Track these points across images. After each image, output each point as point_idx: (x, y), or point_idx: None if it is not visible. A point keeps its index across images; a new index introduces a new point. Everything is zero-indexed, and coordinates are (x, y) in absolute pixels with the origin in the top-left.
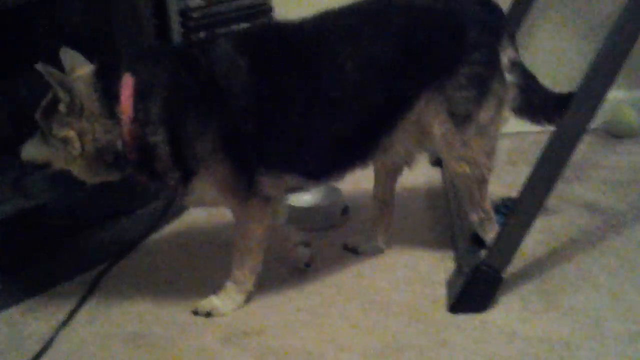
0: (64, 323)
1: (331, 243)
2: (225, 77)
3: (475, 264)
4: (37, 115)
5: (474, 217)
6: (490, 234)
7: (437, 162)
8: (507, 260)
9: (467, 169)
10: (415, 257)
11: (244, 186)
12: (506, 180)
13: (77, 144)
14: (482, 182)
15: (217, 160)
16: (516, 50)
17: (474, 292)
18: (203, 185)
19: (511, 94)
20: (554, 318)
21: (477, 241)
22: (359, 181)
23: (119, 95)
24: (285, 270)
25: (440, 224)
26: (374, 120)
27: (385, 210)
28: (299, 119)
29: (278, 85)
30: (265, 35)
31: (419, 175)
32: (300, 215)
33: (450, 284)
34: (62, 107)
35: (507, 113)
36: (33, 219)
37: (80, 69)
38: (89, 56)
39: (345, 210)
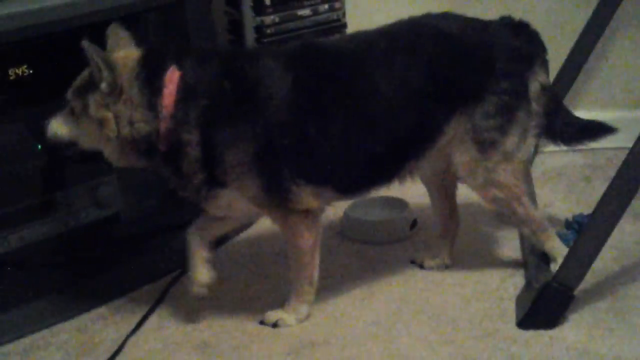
0: (134, 330)
1: (399, 257)
2: (268, 90)
3: (546, 280)
4: (70, 94)
5: (526, 231)
6: (548, 243)
7: None
8: (579, 277)
9: (497, 192)
10: (484, 272)
11: (278, 200)
12: (579, 197)
13: (114, 127)
14: (519, 199)
15: (246, 171)
16: (547, 74)
17: (544, 308)
18: (231, 194)
19: (535, 123)
20: (625, 336)
21: (547, 257)
22: (426, 193)
23: (162, 87)
24: (352, 282)
25: (509, 239)
26: (403, 142)
27: (448, 226)
28: (335, 136)
29: (318, 103)
30: (309, 54)
31: None
32: (368, 229)
33: (519, 300)
34: (104, 87)
35: (531, 140)
36: (105, 227)
37: (123, 50)
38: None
39: (414, 224)
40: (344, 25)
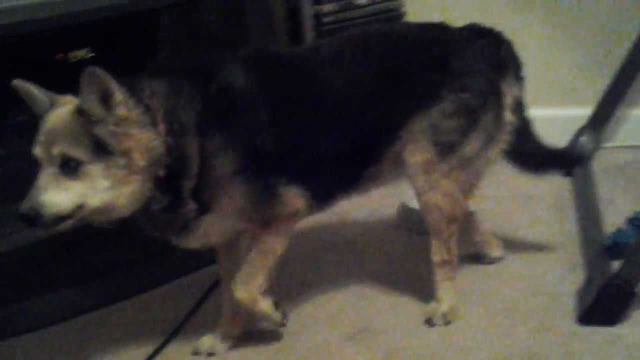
0: (193, 310)
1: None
2: (241, 92)
3: (607, 276)
4: (52, 148)
5: (437, 257)
6: (445, 282)
7: (567, 172)
8: None
9: (440, 201)
10: (543, 266)
11: (265, 205)
12: (639, 194)
13: (140, 154)
14: (452, 219)
15: (237, 180)
16: (522, 90)
17: (604, 305)
18: (214, 217)
19: (506, 135)
20: None
21: (609, 253)
22: (485, 185)
23: (150, 105)
24: (411, 272)
25: (570, 234)
26: (361, 146)
27: (471, 225)
28: (303, 138)
29: (285, 101)
30: (269, 56)
31: (546, 184)
32: (421, 219)
33: (580, 295)
34: (122, 111)
35: (496, 152)
36: (167, 208)
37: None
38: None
39: (471, 215)
40: (403, 15)
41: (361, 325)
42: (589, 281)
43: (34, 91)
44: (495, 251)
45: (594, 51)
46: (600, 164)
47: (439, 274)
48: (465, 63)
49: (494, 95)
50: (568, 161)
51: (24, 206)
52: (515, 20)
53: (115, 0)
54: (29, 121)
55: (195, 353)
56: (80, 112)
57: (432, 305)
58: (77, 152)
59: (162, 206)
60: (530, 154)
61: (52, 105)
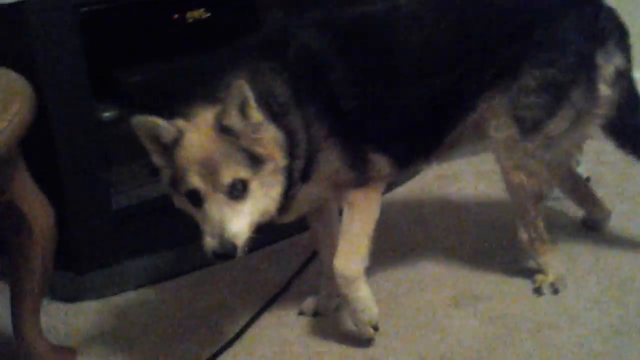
0: (298, 272)
1: (570, 215)
2: (318, 55)
3: None
4: (230, 162)
5: (524, 235)
6: (541, 257)
7: None
8: None
9: (525, 182)
10: None
11: (359, 171)
12: None
13: (278, 153)
14: (539, 198)
15: (332, 144)
16: (628, 59)
17: None
18: (312, 186)
19: (603, 110)
20: None
21: None
22: (601, 150)
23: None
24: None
25: None
26: (439, 111)
27: (578, 191)
28: (386, 103)
29: (363, 62)
30: (345, 20)
31: None
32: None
33: None
34: (256, 117)
35: (590, 130)
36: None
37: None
38: None
39: (587, 180)
40: None
41: (466, 290)
42: None
43: (159, 123)
44: (607, 220)
45: None
46: None
47: (533, 252)
48: (552, 33)
49: (585, 69)
50: None
51: (213, 243)
52: None
53: None
54: (141, 82)
55: (301, 313)
56: (224, 130)
57: (539, 275)
58: (243, 172)
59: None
60: (633, 133)
61: (181, 132)
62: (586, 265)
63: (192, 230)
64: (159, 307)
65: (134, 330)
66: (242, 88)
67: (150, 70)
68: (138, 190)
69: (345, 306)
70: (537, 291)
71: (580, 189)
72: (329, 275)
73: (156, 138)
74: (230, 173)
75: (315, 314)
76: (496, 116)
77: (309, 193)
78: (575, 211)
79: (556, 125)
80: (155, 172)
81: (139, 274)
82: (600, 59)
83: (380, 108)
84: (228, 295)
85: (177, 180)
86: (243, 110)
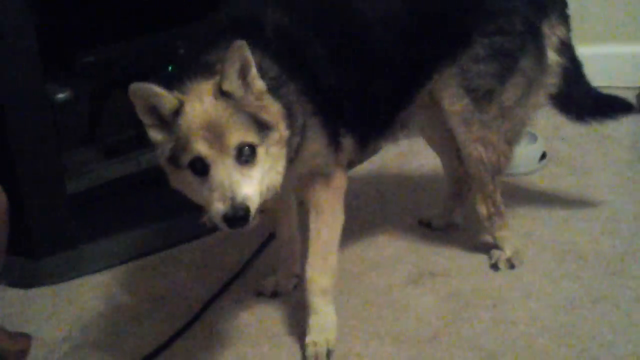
0: (256, 253)
1: (525, 191)
2: (297, 36)
3: None
4: (237, 127)
5: (483, 210)
6: (499, 232)
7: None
8: None
9: (483, 154)
10: (616, 209)
11: (333, 154)
12: None
13: (282, 123)
14: (497, 170)
15: (316, 123)
16: (569, 29)
17: None
18: (306, 151)
19: (552, 78)
20: None
21: None
22: (557, 126)
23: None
24: (473, 218)
25: None
26: (399, 84)
27: (459, 187)
28: (349, 80)
29: (330, 38)
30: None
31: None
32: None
33: None
34: (259, 85)
35: (542, 99)
36: None
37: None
38: None
39: (543, 156)
40: None
41: (423, 268)
42: None
43: (160, 91)
44: (460, 215)
45: None
46: None
47: (491, 226)
48: (499, 2)
49: (534, 38)
50: (619, 107)
51: (226, 207)
52: None
53: None
54: (95, 64)
55: (260, 293)
56: (224, 94)
57: (496, 251)
58: (251, 137)
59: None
60: (579, 100)
61: (182, 101)
62: (541, 240)
63: (149, 214)
64: (115, 291)
65: (90, 315)
66: (242, 49)
67: (106, 49)
68: (94, 173)
69: (307, 318)
70: (494, 267)
71: (463, 182)
72: (286, 255)
73: (154, 109)
74: (238, 136)
75: (274, 294)
76: (448, 87)
77: (290, 177)
78: (530, 186)
79: (509, 94)
80: (110, 153)
81: (95, 258)
82: (546, 29)
83: (350, 85)
84: (186, 278)
85: (178, 152)
86: (244, 75)
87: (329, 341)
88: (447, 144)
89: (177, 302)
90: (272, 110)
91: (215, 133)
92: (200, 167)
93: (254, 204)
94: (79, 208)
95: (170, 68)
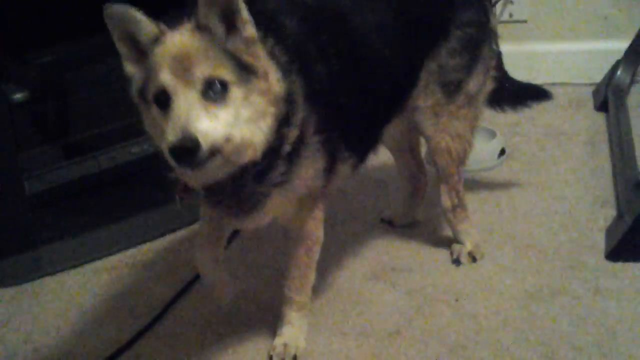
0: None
1: (484, 186)
2: (301, 41)
3: (638, 212)
4: (208, 59)
5: (447, 202)
6: (461, 225)
7: (602, 107)
8: None
9: (451, 144)
10: (574, 203)
11: (326, 181)
12: None
13: (275, 79)
14: (462, 160)
15: (319, 144)
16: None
17: (634, 240)
18: (284, 192)
19: (495, 62)
20: None
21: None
22: (516, 122)
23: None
24: (436, 211)
25: (602, 170)
26: (392, 94)
27: (416, 184)
28: (349, 95)
29: (332, 48)
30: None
31: (581, 120)
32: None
33: (609, 232)
34: (250, 31)
35: (491, 83)
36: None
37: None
38: None
39: (502, 152)
40: None
41: (385, 264)
42: (619, 217)
43: (139, 16)
44: (420, 212)
45: None
46: (635, 98)
47: (453, 219)
48: None
49: (489, 25)
50: (538, 95)
51: (175, 137)
52: None
53: None
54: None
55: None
56: (201, 28)
57: (457, 245)
58: (223, 72)
59: (260, 168)
60: (507, 88)
61: (163, 32)
62: (501, 234)
63: (110, 214)
64: (76, 292)
65: (51, 317)
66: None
67: (62, 50)
68: (53, 173)
69: (280, 326)
70: (456, 262)
71: (420, 180)
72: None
73: (131, 37)
74: (206, 68)
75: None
76: (427, 84)
77: (282, 198)
78: (489, 181)
79: (474, 82)
80: (70, 153)
81: (56, 259)
82: (489, 11)
83: (353, 101)
84: (147, 278)
85: (147, 85)
86: (228, 16)
87: (298, 348)
88: (401, 142)
89: (139, 302)
90: (262, 58)
91: (183, 63)
92: (163, 100)
93: (207, 139)
94: (38, 209)
95: None
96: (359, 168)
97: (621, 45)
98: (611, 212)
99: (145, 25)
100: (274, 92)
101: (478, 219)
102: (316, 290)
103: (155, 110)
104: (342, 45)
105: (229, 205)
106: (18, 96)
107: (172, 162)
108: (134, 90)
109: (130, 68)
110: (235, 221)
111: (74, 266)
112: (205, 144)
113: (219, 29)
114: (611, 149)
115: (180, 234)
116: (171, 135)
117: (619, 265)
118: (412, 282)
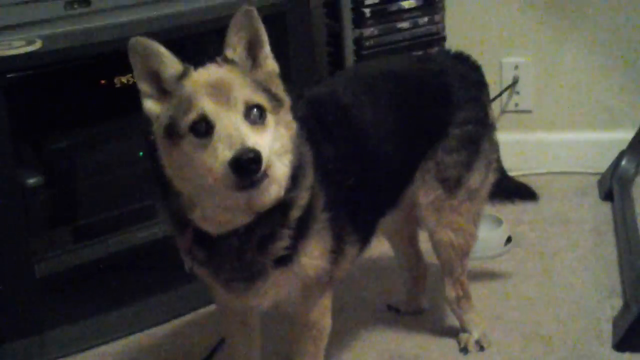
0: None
1: (493, 274)
2: (314, 130)
3: None
4: (244, 86)
5: (452, 294)
6: (466, 315)
7: (607, 196)
8: None
9: (453, 238)
10: (581, 292)
11: (331, 265)
12: None
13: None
14: (465, 253)
15: (325, 226)
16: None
17: None
18: (288, 271)
19: (497, 155)
20: None
21: None
22: (522, 210)
23: None
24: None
25: (608, 259)
26: (392, 187)
27: (415, 274)
28: (358, 173)
29: (340, 140)
30: (317, 96)
31: (585, 208)
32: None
33: (617, 322)
34: (272, 65)
35: (493, 176)
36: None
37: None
38: None
39: (508, 240)
40: (444, 39)
41: (392, 352)
42: (626, 306)
43: (163, 51)
44: (425, 300)
45: (635, 73)
46: None
47: (458, 309)
48: (463, 92)
49: (488, 120)
50: (525, 195)
51: (235, 150)
52: (554, 41)
53: (159, 26)
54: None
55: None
56: (229, 62)
57: (464, 334)
58: (260, 98)
59: (264, 233)
60: (501, 183)
61: (188, 68)
62: (508, 323)
63: (117, 298)
64: None
65: None
66: (252, 17)
67: (76, 135)
68: (63, 257)
69: None
70: (464, 350)
71: (420, 269)
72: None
73: (155, 74)
74: (245, 93)
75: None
76: (425, 181)
77: (286, 278)
78: (496, 269)
79: (475, 177)
80: (80, 237)
81: (61, 343)
82: (487, 106)
83: (355, 186)
84: None
85: (178, 118)
86: (253, 49)
87: None
88: (401, 232)
89: None
90: (283, 91)
91: (221, 89)
92: (204, 128)
93: (265, 155)
94: (47, 292)
95: (141, 154)
96: (363, 252)
97: (626, 135)
98: (618, 302)
99: (171, 61)
100: (293, 128)
101: (484, 307)
102: None
103: (192, 140)
104: (346, 132)
105: (231, 270)
106: (32, 181)
107: (229, 181)
108: (159, 128)
109: (152, 106)
110: (237, 293)
111: (80, 350)
112: (265, 158)
113: (245, 61)
114: (617, 239)
115: (188, 317)
116: (229, 151)
117: (626, 355)
118: None
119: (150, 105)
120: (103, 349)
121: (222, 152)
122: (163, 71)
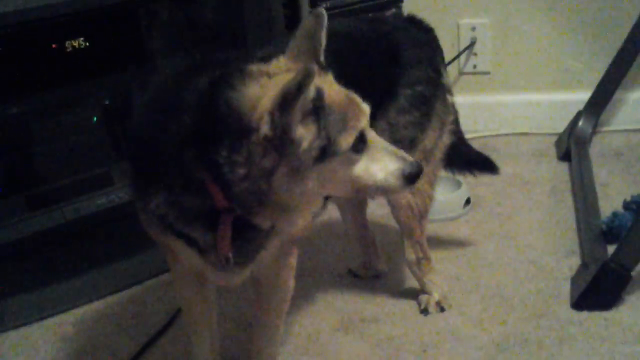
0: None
1: (451, 236)
2: None
3: (602, 260)
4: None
5: (411, 256)
6: (427, 276)
7: (564, 156)
8: (637, 258)
9: (411, 200)
10: (539, 252)
11: None
12: (637, 177)
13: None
14: (423, 215)
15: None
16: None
17: (599, 289)
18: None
19: (451, 116)
20: None
21: (605, 237)
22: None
23: None
24: (402, 261)
25: (566, 219)
26: None
27: (365, 240)
28: None
29: None
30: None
31: (545, 170)
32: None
33: (575, 280)
34: (300, 130)
35: (447, 137)
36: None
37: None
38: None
39: (467, 201)
40: (401, 0)
41: (352, 315)
42: (584, 266)
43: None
44: (382, 264)
45: (593, 35)
46: (597, 147)
47: (419, 271)
48: (413, 53)
49: (440, 81)
50: (487, 167)
51: (410, 165)
52: (512, 2)
53: None
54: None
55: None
56: (324, 67)
57: (424, 295)
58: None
59: None
60: (460, 151)
61: (319, 88)
62: (468, 284)
63: (73, 267)
64: (40, 346)
65: None
66: (309, 71)
67: (28, 101)
68: (18, 225)
69: None
70: (424, 312)
71: (367, 237)
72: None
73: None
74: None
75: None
76: None
77: (274, 244)
78: (455, 231)
79: (429, 138)
80: (34, 206)
81: (19, 312)
82: (441, 68)
83: None
84: (112, 331)
85: (334, 140)
86: (284, 105)
87: None
88: (352, 202)
89: (105, 356)
90: None
91: (357, 104)
92: (361, 143)
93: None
94: (2, 261)
95: (95, 119)
96: (324, 210)
97: (583, 96)
98: (576, 261)
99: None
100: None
101: (444, 269)
102: (284, 341)
103: (350, 157)
104: None
105: (242, 252)
106: None
107: (399, 185)
108: (308, 152)
109: (303, 132)
110: (233, 271)
111: (38, 320)
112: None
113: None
114: (575, 199)
115: (146, 284)
116: (401, 164)
117: (585, 314)
118: (381, 333)
119: (303, 131)
120: (61, 317)
121: (391, 165)
122: (304, 98)
